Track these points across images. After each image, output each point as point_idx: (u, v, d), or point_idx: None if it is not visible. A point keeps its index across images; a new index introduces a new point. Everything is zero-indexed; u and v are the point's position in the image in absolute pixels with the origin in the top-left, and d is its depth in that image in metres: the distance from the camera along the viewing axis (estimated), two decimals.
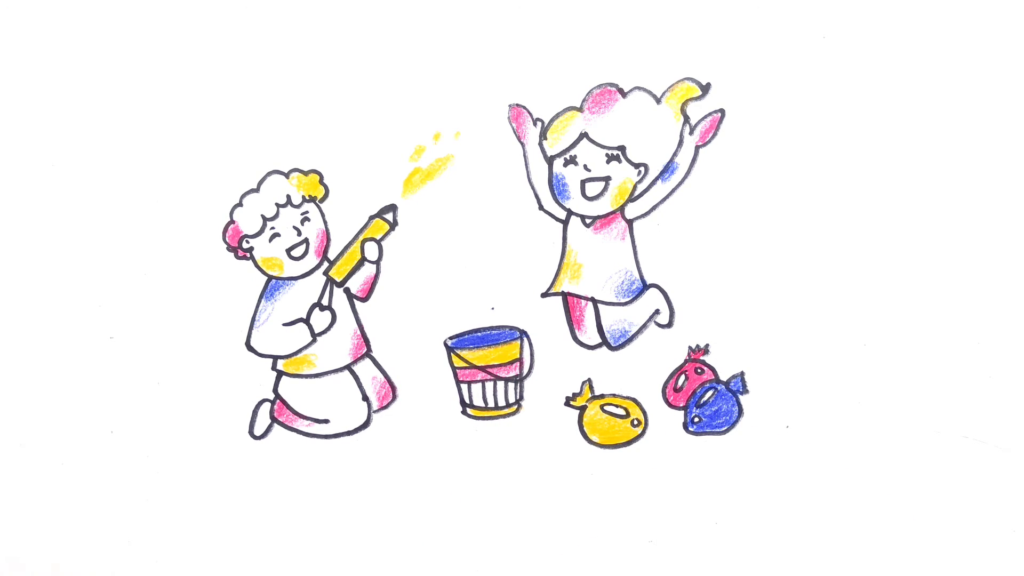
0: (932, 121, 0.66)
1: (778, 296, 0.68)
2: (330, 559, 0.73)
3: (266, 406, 0.72)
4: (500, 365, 0.70)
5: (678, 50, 0.67)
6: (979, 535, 0.69)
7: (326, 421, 0.72)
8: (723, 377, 0.69)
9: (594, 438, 0.70)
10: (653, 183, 0.68)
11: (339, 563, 0.73)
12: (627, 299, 0.69)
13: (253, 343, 0.71)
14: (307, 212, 0.70)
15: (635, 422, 0.70)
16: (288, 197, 0.70)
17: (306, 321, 0.71)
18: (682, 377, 0.69)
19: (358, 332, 0.71)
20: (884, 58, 0.66)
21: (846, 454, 0.69)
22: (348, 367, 0.71)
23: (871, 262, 0.67)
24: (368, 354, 0.71)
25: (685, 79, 0.67)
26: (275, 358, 0.71)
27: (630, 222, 0.68)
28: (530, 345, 0.70)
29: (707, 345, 0.69)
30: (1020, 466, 0.68)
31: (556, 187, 0.68)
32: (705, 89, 0.67)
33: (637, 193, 0.68)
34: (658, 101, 0.67)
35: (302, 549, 0.73)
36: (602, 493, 0.71)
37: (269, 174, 0.70)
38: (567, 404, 0.70)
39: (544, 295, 0.69)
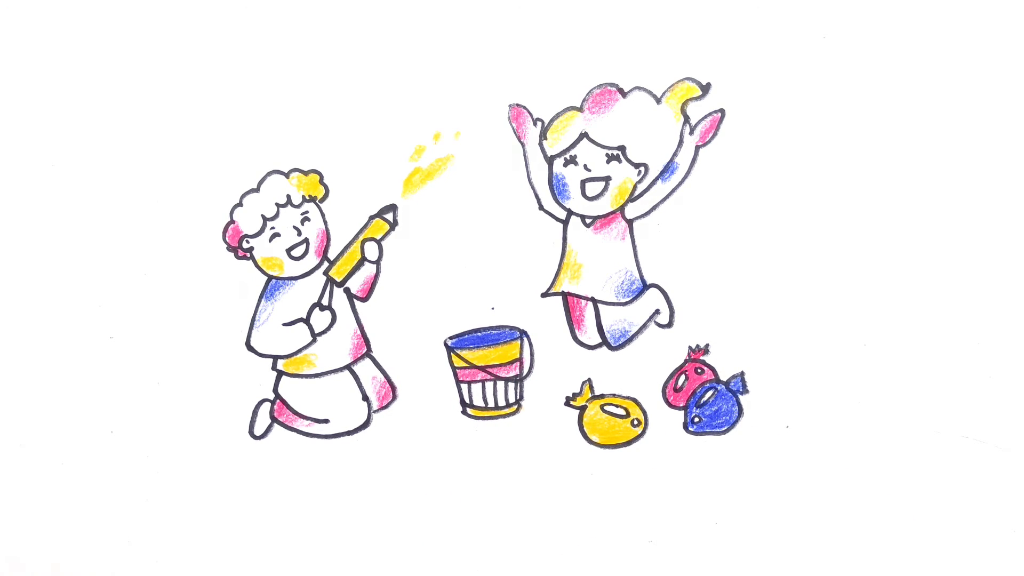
0: (932, 121, 0.66)
1: (778, 296, 0.68)
2: (330, 559, 0.73)
3: (266, 406, 0.72)
4: (500, 365, 0.70)
5: (678, 50, 0.67)
6: (979, 535, 0.69)
7: (326, 421, 0.72)
8: (723, 377, 0.69)
9: (594, 438, 0.70)
10: (653, 183, 0.68)
11: (339, 563, 0.73)
12: (627, 299, 0.69)
13: (253, 343, 0.71)
14: (307, 212, 0.70)
15: (635, 422, 0.70)
16: (288, 197, 0.70)
17: (306, 321, 0.71)
18: (682, 377, 0.69)
19: (358, 332, 0.71)
20: (884, 58, 0.66)
21: (846, 454, 0.69)
22: (348, 367, 0.71)
23: (871, 262, 0.67)
24: (368, 354, 0.71)
25: (685, 79, 0.67)
26: (275, 358, 0.71)
27: (630, 222, 0.68)
28: (530, 345, 0.70)
29: (707, 345, 0.69)
30: (1020, 466, 0.68)
31: (556, 187, 0.68)
32: (705, 89, 0.67)
33: (637, 193, 0.68)
34: (658, 101, 0.67)
35: (302, 549, 0.73)
36: (602, 493, 0.70)
37: (269, 174, 0.70)
38: (567, 404, 0.70)
39: (544, 295, 0.69)
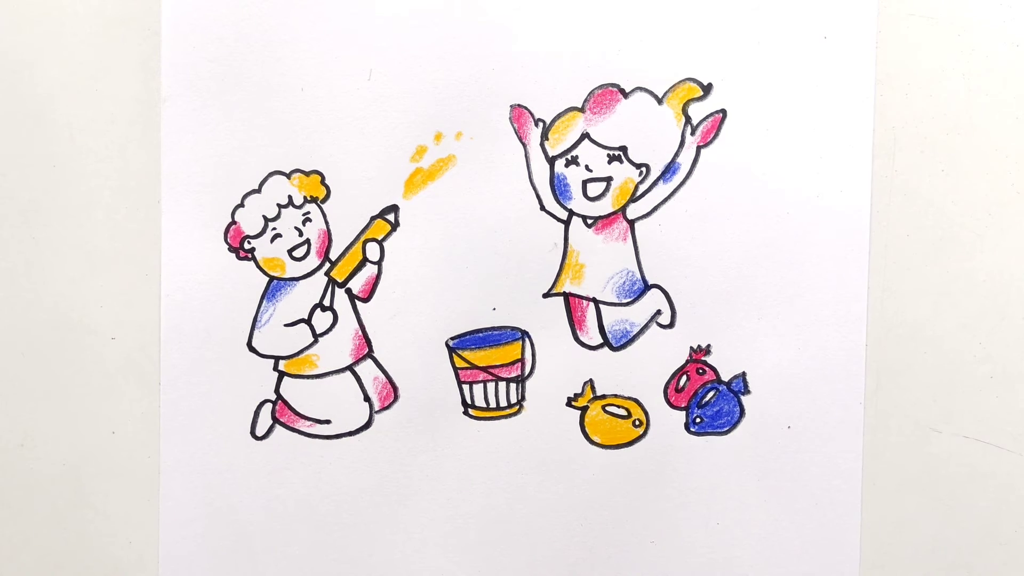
0: (931, 121, 0.67)
1: (778, 296, 0.68)
2: (331, 559, 0.73)
3: (268, 407, 0.72)
4: (502, 366, 0.70)
5: (680, 51, 0.67)
6: (979, 535, 0.69)
7: (328, 422, 0.72)
8: (724, 377, 0.69)
9: (596, 438, 0.70)
10: (655, 183, 0.68)
11: (339, 563, 0.73)
12: (629, 299, 0.69)
13: (255, 344, 0.71)
14: (309, 213, 0.70)
15: (636, 422, 0.70)
16: (290, 198, 0.70)
17: (308, 322, 0.71)
18: (683, 377, 0.69)
19: (359, 333, 0.71)
20: (884, 58, 0.66)
21: (846, 454, 0.69)
22: (350, 367, 0.71)
23: (871, 262, 0.67)
24: (370, 354, 0.71)
25: (687, 79, 0.67)
26: (277, 359, 0.71)
27: (631, 222, 0.68)
28: (532, 345, 0.70)
29: (708, 346, 0.69)
30: (1020, 466, 0.68)
31: (558, 187, 0.68)
32: (707, 89, 0.67)
33: (639, 193, 0.68)
34: (660, 101, 0.67)
35: (302, 549, 0.73)
36: (603, 493, 0.71)
37: (271, 175, 0.70)
38: (569, 404, 0.70)
39: (546, 295, 0.69)
